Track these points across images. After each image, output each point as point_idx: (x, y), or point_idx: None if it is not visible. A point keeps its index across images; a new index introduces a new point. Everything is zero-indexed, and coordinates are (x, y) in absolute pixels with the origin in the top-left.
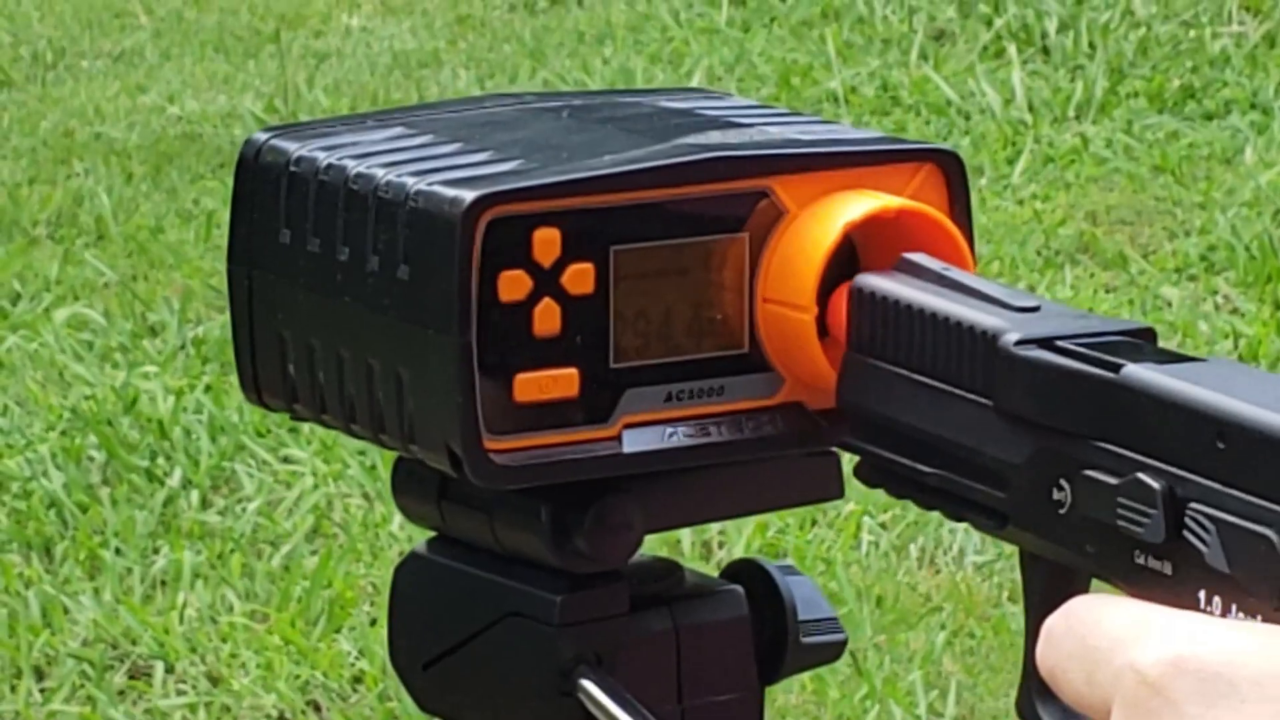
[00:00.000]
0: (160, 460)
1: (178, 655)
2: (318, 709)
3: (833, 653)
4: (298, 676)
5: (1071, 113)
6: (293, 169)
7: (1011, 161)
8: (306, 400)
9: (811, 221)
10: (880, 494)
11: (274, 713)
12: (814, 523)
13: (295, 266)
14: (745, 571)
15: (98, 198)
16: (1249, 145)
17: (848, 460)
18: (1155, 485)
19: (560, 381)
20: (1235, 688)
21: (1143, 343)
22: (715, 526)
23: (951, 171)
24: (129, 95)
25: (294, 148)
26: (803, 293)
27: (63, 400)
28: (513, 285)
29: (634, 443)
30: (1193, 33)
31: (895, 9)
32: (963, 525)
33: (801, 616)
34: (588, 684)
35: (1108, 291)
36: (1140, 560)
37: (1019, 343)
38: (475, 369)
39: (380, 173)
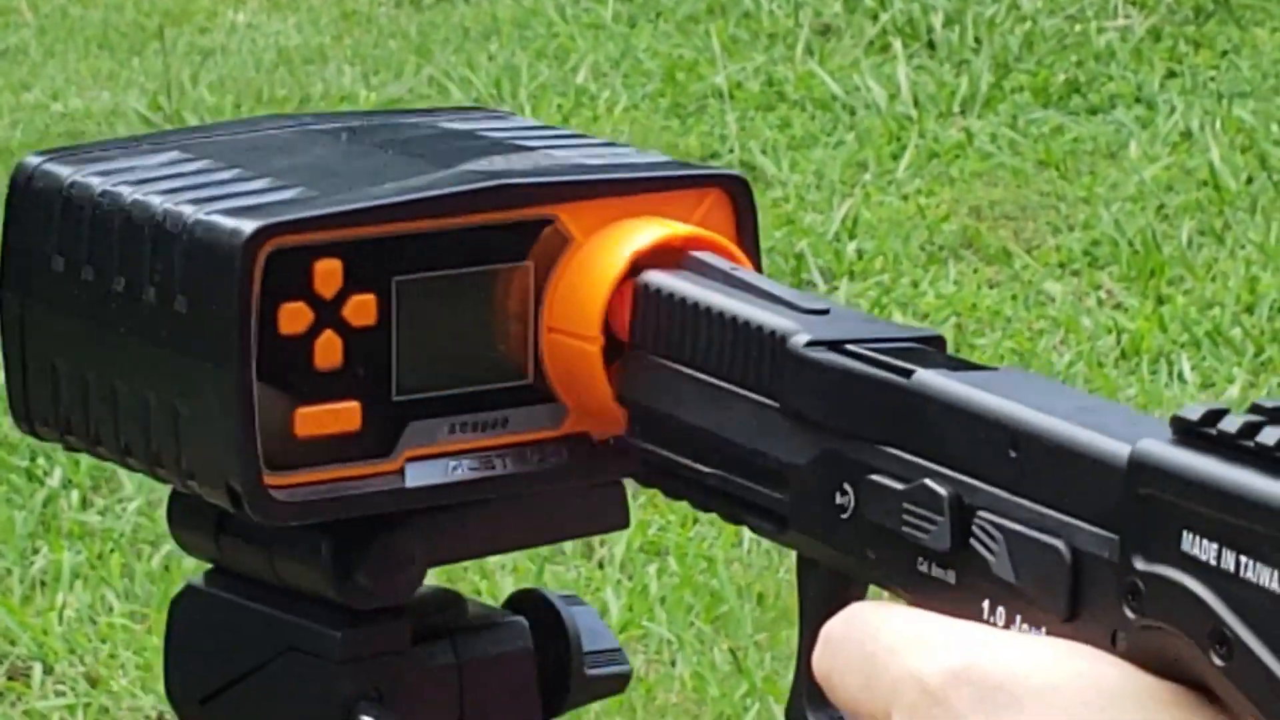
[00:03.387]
0: (40, 460)
1: (57, 656)
2: None
3: (618, 684)
4: None
5: (956, 107)
6: (66, 195)
7: (896, 156)
8: (80, 433)
9: (598, 250)
10: None
11: (153, 713)
12: (695, 520)
13: (69, 295)
14: (528, 602)
15: None
16: (1133, 140)
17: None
18: (942, 492)
19: (342, 415)
20: (1017, 700)
21: (933, 350)
22: None
23: (738, 197)
24: (12, 92)
25: (68, 173)
26: (588, 323)
27: None
28: (293, 317)
29: (417, 477)
30: (1078, 27)
31: (781, 4)
32: None
33: (586, 648)
34: None
35: (991, 287)
36: (924, 568)
37: (808, 344)
38: (255, 403)
39: (157, 201)
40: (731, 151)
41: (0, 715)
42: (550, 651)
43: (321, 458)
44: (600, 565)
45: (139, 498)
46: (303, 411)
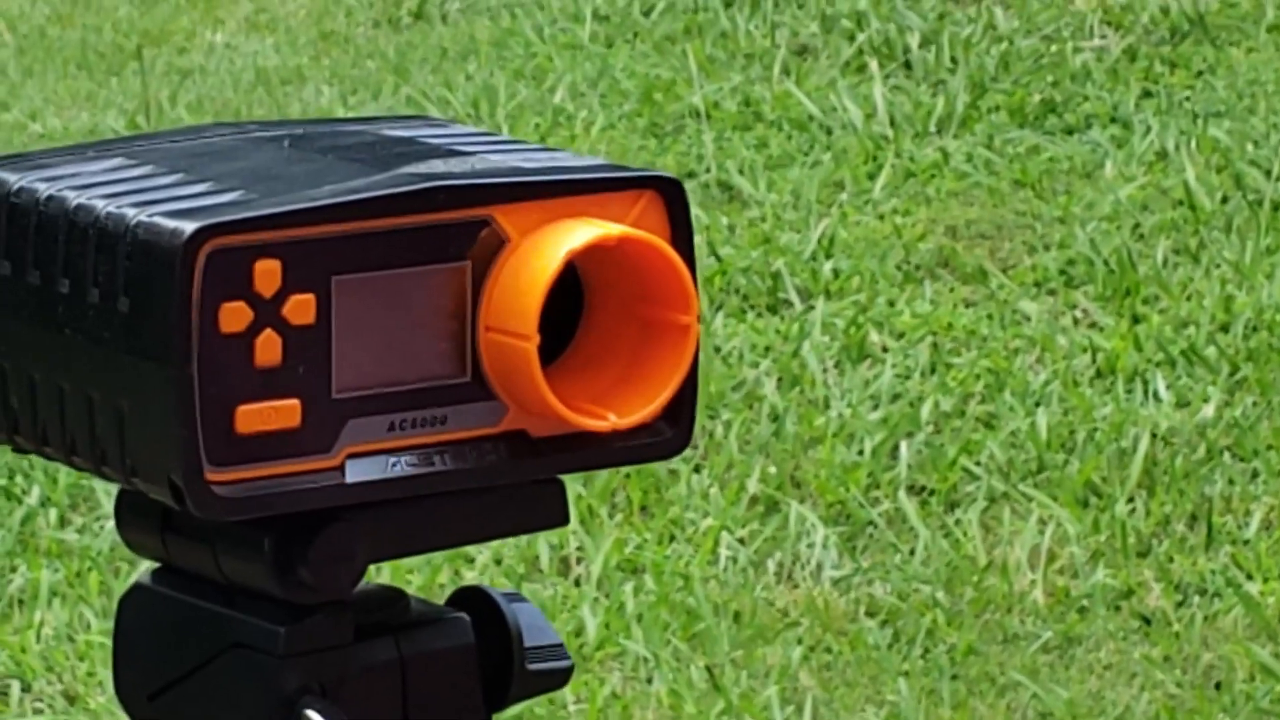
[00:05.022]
0: (18, 478)
1: (34, 674)
2: None
3: (559, 679)
4: None
5: (933, 127)
6: (13, 200)
7: (872, 176)
8: (28, 433)
9: (533, 250)
10: (739, 509)
11: None
12: (672, 538)
13: (16, 299)
14: (471, 599)
15: None
16: (1109, 159)
17: (573, 488)
18: None
19: (282, 412)
20: None
21: None
22: (573, 541)
23: (673, 199)
24: None
25: (14, 179)
26: (525, 321)
27: None
28: (234, 316)
29: (356, 473)
30: (1054, 47)
31: (758, 24)
32: (821, 540)
33: (527, 643)
34: (312, 714)
35: (967, 306)
36: None
37: None
38: (196, 400)
39: (101, 204)
40: (708, 171)
41: None
42: (492, 647)
43: (262, 454)
44: (577, 583)
45: None
46: (244, 409)
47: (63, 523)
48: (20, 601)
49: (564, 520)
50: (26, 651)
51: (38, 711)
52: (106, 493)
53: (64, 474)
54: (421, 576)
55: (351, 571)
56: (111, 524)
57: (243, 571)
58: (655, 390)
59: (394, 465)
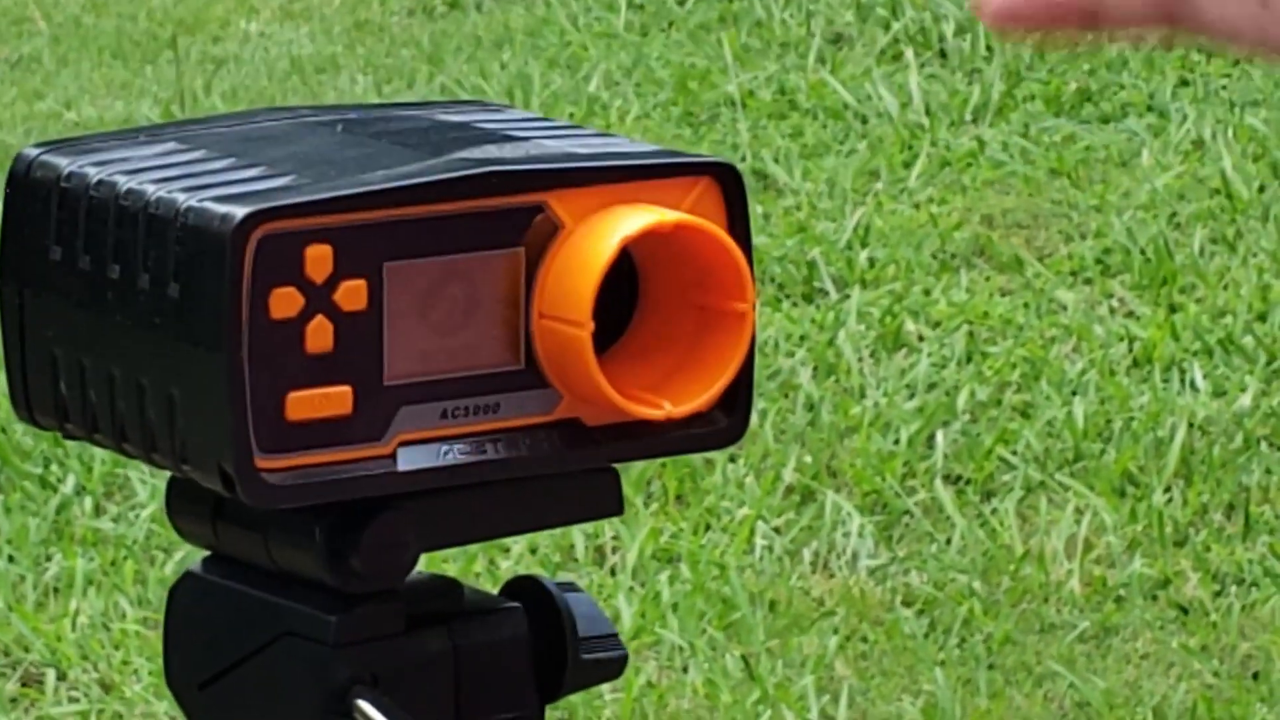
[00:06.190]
0: (54, 467)
1: (70, 663)
2: None
3: (614, 669)
4: None
5: (968, 116)
6: (64, 185)
7: (908, 165)
8: (78, 420)
9: (588, 237)
10: (774, 499)
11: None
12: (707, 527)
13: (66, 284)
14: (524, 588)
15: None
16: (1145, 148)
17: (626, 476)
18: None
19: (333, 399)
20: None
21: None
22: (608, 531)
23: (729, 185)
24: (26, 101)
25: (65, 163)
26: (579, 308)
27: None
28: (284, 302)
29: (409, 461)
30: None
31: (793, 12)
32: (857, 529)
33: (581, 633)
34: (364, 704)
35: (1003, 295)
36: None
37: None
38: (247, 387)
39: (151, 189)
40: (744, 160)
41: None
42: (546, 637)
43: (314, 441)
44: (612, 572)
45: (152, 504)
46: (294, 395)
47: (98, 511)
48: (55, 590)
49: (618, 510)
50: (62, 640)
51: (73, 700)
52: (142, 481)
53: (99, 462)
54: (456, 566)
55: (403, 560)
56: (147, 512)
57: (294, 560)
58: (711, 378)
59: (446, 453)
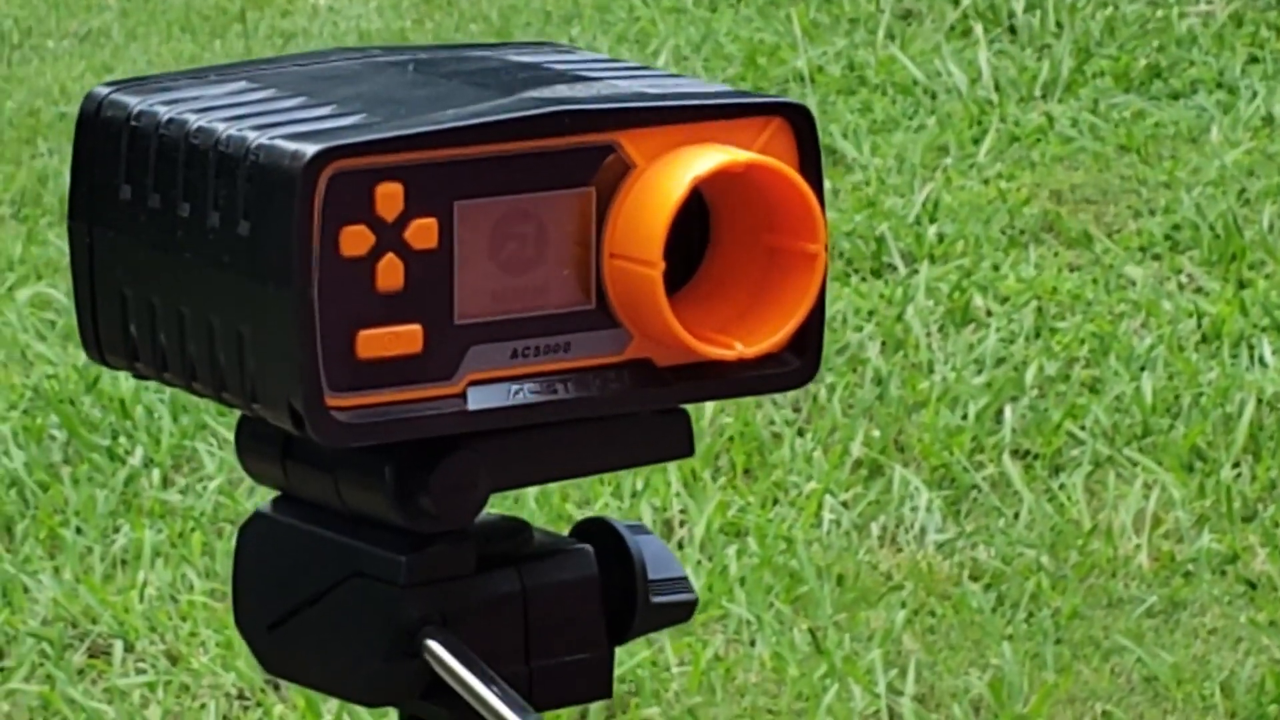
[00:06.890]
0: (122, 439)
1: (137, 634)
2: (276, 687)
3: (683, 612)
4: None
5: (1038, 92)
6: (133, 124)
7: (977, 141)
8: (147, 359)
9: (659, 176)
10: (842, 473)
11: (233, 691)
12: (775, 501)
13: (136, 223)
14: (594, 530)
15: (62, 177)
16: (1214, 125)
17: (698, 418)
18: None
19: (403, 338)
20: None
21: None
22: (676, 504)
23: (801, 126)
24: (94, 75)
25: (135, 102)
26: (650, 248)
27: (25, 379)
28: (355, 240)
29: (479, 400)
30: (1160, 12)
31: None
32: (925, 503)
33: (651, 576)
34: (434, 644)
35: (1072, 270)
36: None
37: None
38: (317, 325)
39: (221, 127)
40: None
41: (81, 693)
42: (616, 579)
43: (383, 380)
44: (680, 546)
45: (220, 476)
46: (364, 334)
47: (165, 483)
48: (123, 562)
49: (688, 451)
50: (130, 612)
51: (140, 671)
52: (209, 453)
53: (167, 435)
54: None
55: (473, 500)
56: (214, 484)
57: (363, 500)
58: (782, 319)
59: (516, 393)
